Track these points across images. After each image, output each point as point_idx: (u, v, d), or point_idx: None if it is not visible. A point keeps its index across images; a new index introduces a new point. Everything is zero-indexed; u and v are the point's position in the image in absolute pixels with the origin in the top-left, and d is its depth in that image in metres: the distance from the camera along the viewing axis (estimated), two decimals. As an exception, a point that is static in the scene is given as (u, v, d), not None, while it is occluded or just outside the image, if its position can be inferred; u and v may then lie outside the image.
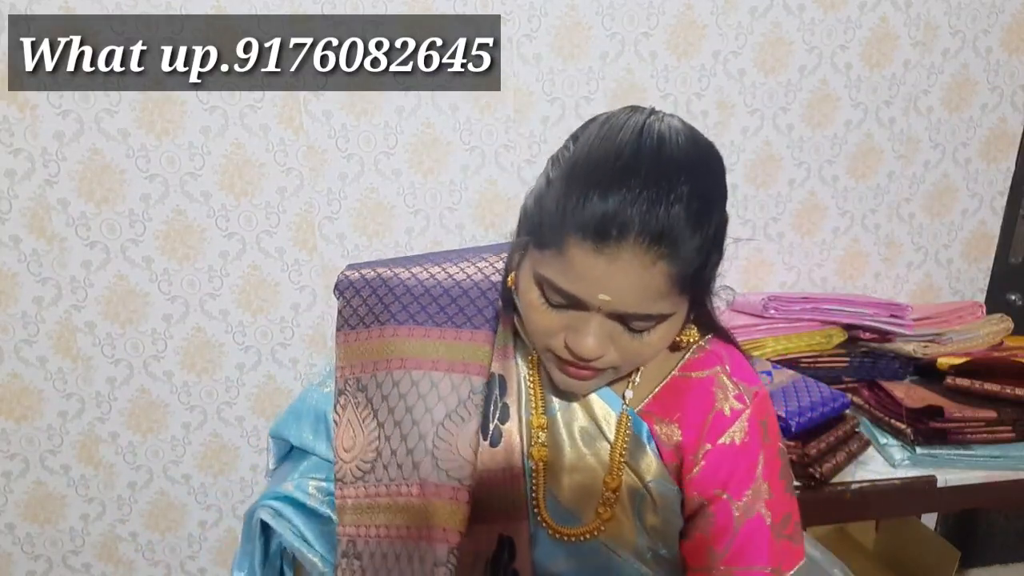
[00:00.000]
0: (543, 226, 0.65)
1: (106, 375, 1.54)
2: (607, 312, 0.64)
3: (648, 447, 0.76)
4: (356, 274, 0.86)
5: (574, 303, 0.65)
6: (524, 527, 0.76)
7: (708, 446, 0.74)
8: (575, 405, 0.78)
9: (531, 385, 0.79)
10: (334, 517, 0.80)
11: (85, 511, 1.63)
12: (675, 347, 0.77)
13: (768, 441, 0.76)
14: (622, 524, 0.75)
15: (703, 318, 0.76)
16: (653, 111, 0.67)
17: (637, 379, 0.78)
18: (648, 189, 0.59)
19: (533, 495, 0.76)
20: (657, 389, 0.77)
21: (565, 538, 0.75)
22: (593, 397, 0.77)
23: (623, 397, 0.77)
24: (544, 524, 0.75)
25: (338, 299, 0.85)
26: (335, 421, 0.81)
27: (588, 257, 0.61)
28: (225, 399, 1.61)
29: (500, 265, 0.84)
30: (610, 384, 0.76)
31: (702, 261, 0.63)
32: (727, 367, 0.77)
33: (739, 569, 0.73)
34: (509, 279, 0.75)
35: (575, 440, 0.77)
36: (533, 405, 0.78)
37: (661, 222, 0.59)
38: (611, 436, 0.76)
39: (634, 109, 0.68)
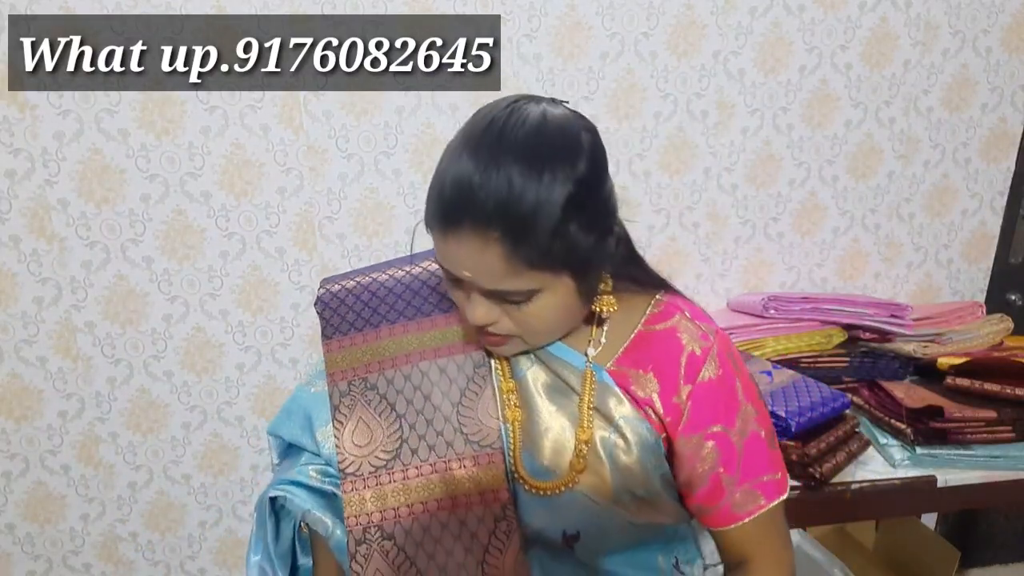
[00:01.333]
0: (425, 219, 0.74)
1: (106, 375, 1.54)
2: (477, 288, 0.72)
3: (614, 389, 0.80)
4: (336, 286, 0.93)
5: (456, 280, 0.74)
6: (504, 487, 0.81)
7: (689, 387, 0.79)
8: (541, 367, 0.83)
9: (496, 354, 0.85)
10: (337, 492, 0.84)
11: (85, 511, 1.63)
12: (594, 319, 0.82)
13: (739, 370, 0.82)
14: (597, 471, 0.79)
15: (642, 279, 0.85)
16: (519, 99, 0.72)
17: (602, 339, 0.83)
18: (479, 177, 0.66)
19: (510, 455, 0.81)
20: (626, 344, 0.82)
21: (542, 492, 0.79)
22: (557, 357, 0.82)
23: (586, 355, 0.82)
24: (522, 480, 0.80)
25: (321, 312, 0.91)
26: (341, 421, 0.84)
27: (442, 243, 0.71)
28: (225, 399, 1.61)
29: None
30: (566, 341, 0.83)
31: (548, 240, 0.67)
32: (686, 313, 0.83)
33: (751, 483, 0.80)
34: None
35: (545, 398, 0.82)
36: (500, 372, 0.84)
37: (488, 208, 0.66)
38: (579, 389, 0.80)
39: (503, 100, 0.73)
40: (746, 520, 0.80)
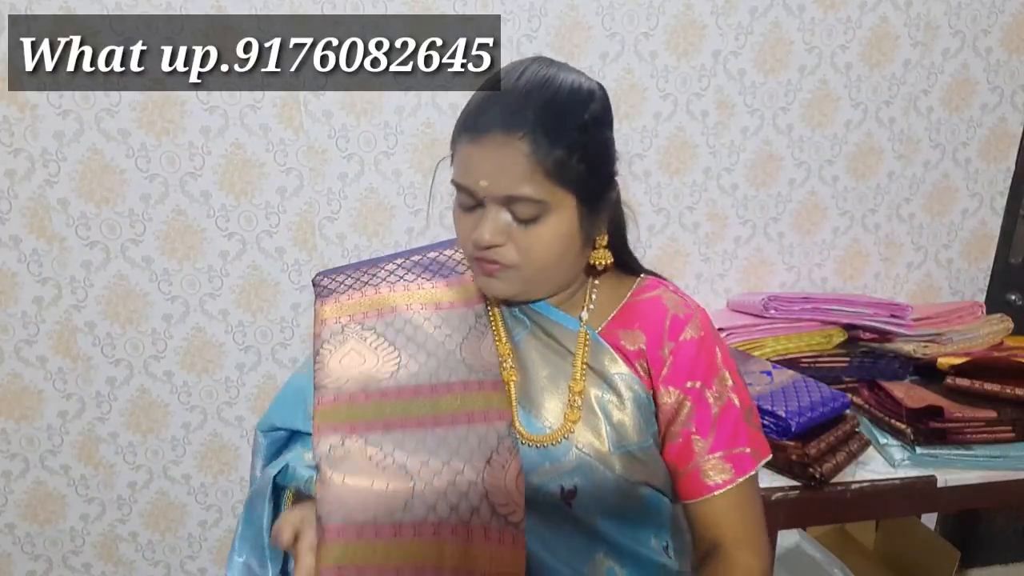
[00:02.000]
0: (451, 137, 0.83)
1: (106, 375, 1.54)
2: (493, 200, 0.78)
3: (607, 348, 0.86)
4: (338, 276, 0.96)
5: (471, 197, 0.80)
6: None
7: (672, 344, 0.85)
8: (537, 330, 0.88)
9: (492, 319, 0.90)
10: None
11: (85, 511, 1.63)
12: (594, 271, 0.89)
13: (719, 341, 0.89)
14: (592, 426, 0.83)
15: (630, 264, 0.94)
16: (538, 57, 0.83)
17: (591, 305, 0.89)
18: (505, 96, 0.78)
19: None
20: (615, 312, 0.89)
21: (538, 444, 0.83)
22: (552, 321, 0.88)
23: (580, 319, 0.88)
24: (519, 435, 0.83)
25: (319, 282, 0.95)
26: (327, 351, 0.85)
27: (467, 149, 0.79)
28: (225, 399, 1.61)
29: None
30: (560, 307, 0.88)
31: (563, 155, 0.77)
32: (668, 288, 0.92)
33: (723, 453, 0.83)
34: None
35: (540, 360, 0.87)
36: (496, 336, 0.89)
37: (514, 115, 0.77)
38: (573, 349, 0.86)
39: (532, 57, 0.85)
40: (716, 493, 0.82)
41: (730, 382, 0.86)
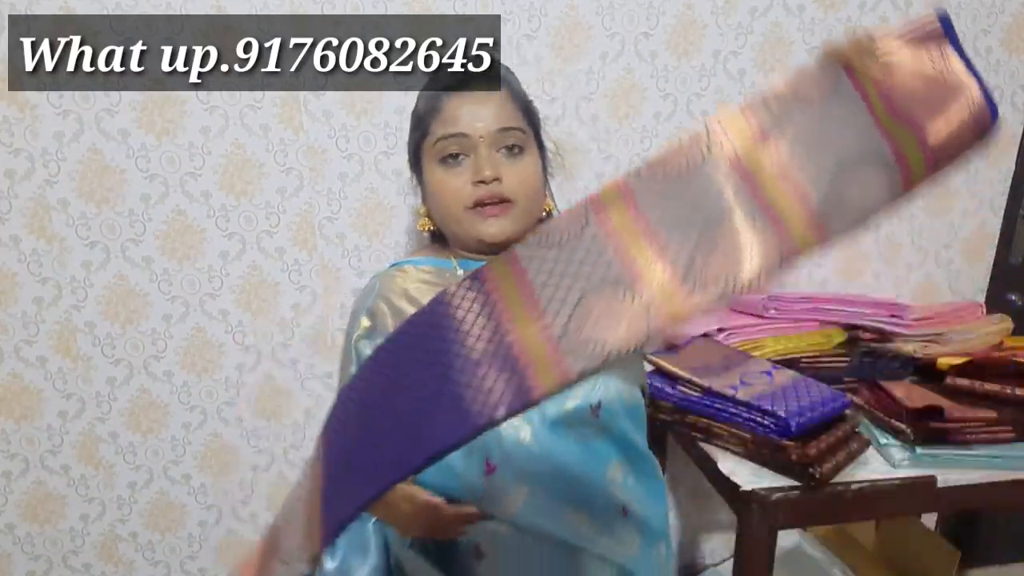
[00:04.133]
0: (423, 113, 0.98)
1: (106, 375, 1.54)
2: (486, 138, 0.94)
3: None
4: None
5: (463, 144, 0.94)
6: None
7: None
8: None
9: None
10: None
11: (85, 511, 1.63)
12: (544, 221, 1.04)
13: None
14: None
15: None
16: None
17: None
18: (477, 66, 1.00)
19: None
20: None
21: None
22: None
23: None
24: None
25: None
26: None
27: (456, 103, 0.95)
28: (225, 399, 1.61)
29: None
30: None
31: (525, 102, 1.01)
32: None
33: None
34: (420, 223, 1.05)
35: None
36: None
37: (490, 77, 0.98)
38: None
39: None
40: None
41: None
